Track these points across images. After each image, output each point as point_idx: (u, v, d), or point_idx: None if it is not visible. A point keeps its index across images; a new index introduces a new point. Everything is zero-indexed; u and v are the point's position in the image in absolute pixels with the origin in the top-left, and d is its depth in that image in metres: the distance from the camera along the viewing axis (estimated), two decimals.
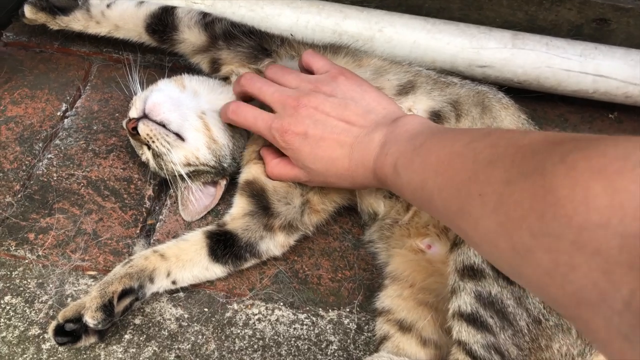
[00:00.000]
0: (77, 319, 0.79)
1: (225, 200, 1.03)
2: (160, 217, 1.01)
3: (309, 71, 0.90)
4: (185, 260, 0.88)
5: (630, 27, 1.16)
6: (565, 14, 1.17)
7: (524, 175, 0.49)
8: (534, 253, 0.46)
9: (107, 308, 0.79)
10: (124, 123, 1.08)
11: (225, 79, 1.04)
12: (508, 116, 0.95)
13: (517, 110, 0.97)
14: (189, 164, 0.95)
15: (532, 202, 0.46)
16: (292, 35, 1.11)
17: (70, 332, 0.79)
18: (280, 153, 0.89)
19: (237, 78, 0.92)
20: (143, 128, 0.91)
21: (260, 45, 1.02)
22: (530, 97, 1.17)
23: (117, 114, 1.13)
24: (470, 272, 0.77)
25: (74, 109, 1.14)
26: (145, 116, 0.92)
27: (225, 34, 1.02)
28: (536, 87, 1.15)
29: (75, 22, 1.09)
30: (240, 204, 0.95)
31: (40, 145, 1.07)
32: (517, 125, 0.95)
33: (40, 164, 1.05)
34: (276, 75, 0.89)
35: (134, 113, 0.93)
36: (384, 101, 0.83)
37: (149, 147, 0.94)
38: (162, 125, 0.91)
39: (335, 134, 0.80)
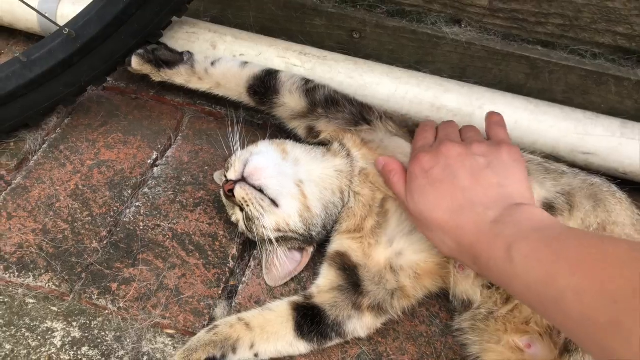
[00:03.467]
0: None
1: (309, 267, 0.99)
2: (243, 279, 0.98)
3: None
4: (270, 332, 0.85)
5: None
6: None
7: None
8: None
9: None
10: (215, 176, 1.08)
11: (322, 144, 1.02)
12: (623, 211, 0.89)
13: (631, 205, 0.91)
14: (278, 230, 0.92)
15: None
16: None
17: None
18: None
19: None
20: (239, 191, 0.90)
21: (360, 113, 1.00)
22: (633, 188, 1.10)
23: (206, 167, 1.12)
24: None
25: (164, 158, 1.14)
26: (243, 179, 0.90)
27: (326, 100, 1.01)
28: None
29: (178, 76, 1.11)
30: (328, 276, 0.92)
31: (130, 192, 1.07)
32: (632, 221, 0.88)
33: (128, 211, 1.04)
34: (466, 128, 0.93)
35: (232, 175, 0.92)
36: (522, 187, 0.79)
37: (242, 209, 0.93)
38: (260, 190, 0.90)
39: (453, 186, 0.79)
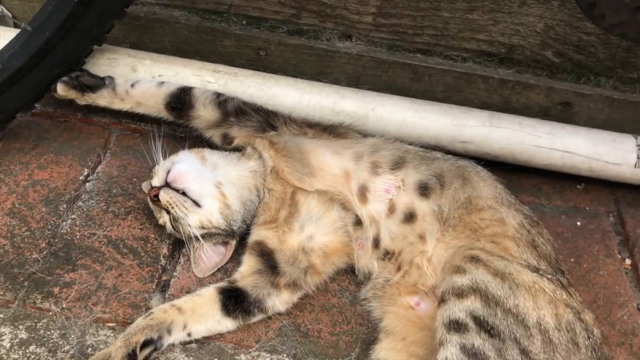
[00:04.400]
0: None
1: (234, 258, 1.13)
2: (175, 273, 1.10)
3: None
4: (200, 314, 0.98)
5: (591, 110, 1.33)
6: (535, 97, 1.34)
7: None
8: None
9: (130, 357, 0.88)
10: (143, 186, 1.20)
11: (238, 150, 1.16)
12: (486, 187, 1.08)
13: (494, 182, 1.10)
14: (202, 227, 1.06)
15: None
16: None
17: None
18: None
19: None
20: (164, 196, 1.03)
21: (267, 120, 1.16)
22: (507, 168, 1.31)
23: (134, 179, 1.24)
24: (456, 326, 0.87)
25: (95, 174, 1.25)
26: (167, 185, 1.03)
27: (236, 110, 1.16)
28: (512, 161, 1.30)
29: (102, 99, 1.22)
30: (249, 263, 1.06)
31: (65, 206, 1.17)
32: (494, 194, 1.07)
33: (65, 223, 1.14)
34: None
35: (156, 182, 1.05)
36: None
37: (168, 212, 1.05)
38: (183, 193, 1.03)
39: None
